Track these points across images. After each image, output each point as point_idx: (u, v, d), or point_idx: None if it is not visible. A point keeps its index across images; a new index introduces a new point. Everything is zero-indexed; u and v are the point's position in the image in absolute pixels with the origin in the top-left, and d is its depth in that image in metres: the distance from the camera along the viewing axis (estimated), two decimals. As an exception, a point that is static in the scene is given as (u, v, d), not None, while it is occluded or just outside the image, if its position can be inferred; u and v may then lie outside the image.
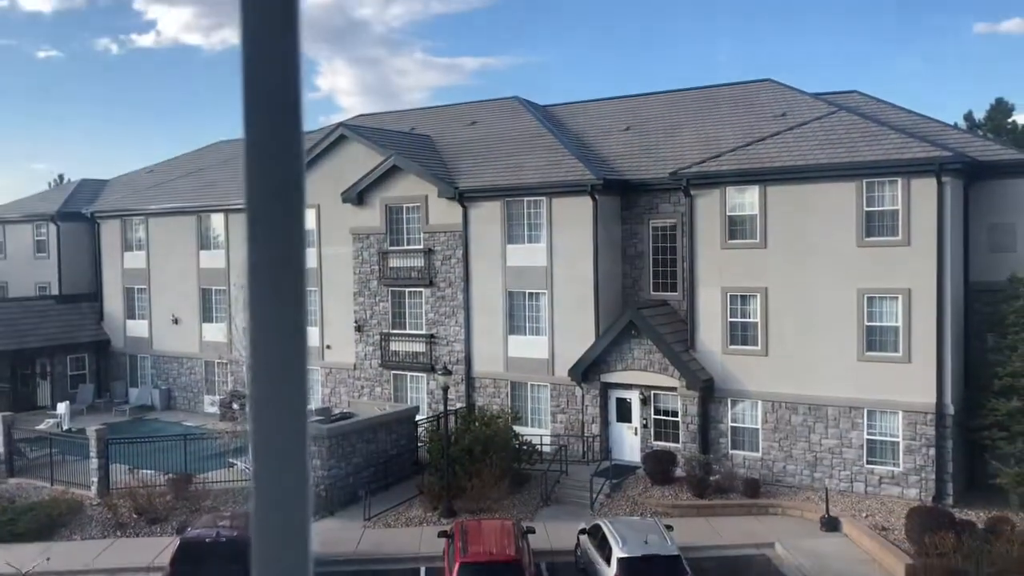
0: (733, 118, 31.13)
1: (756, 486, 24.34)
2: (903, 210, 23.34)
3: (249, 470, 1.07)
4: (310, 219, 34.16)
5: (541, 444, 27.60)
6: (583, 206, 28.05)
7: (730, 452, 25.95)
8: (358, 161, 32.44)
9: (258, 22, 1.01)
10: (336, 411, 28.74)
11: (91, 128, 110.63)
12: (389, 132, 34.63)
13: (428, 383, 31.47)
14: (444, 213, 30.89)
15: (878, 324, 23.89)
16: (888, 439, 23.93)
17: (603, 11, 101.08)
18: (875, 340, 23.91)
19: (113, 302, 40.87)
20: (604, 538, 18.79)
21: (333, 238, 33.55)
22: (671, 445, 26.44)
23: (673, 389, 26.37)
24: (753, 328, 25.67)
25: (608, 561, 18.11)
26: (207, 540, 18.54)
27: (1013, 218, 24.29)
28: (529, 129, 33.35)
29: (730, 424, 26.08)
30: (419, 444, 28.12)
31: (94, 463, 25.75)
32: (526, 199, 29.34)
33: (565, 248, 28.48)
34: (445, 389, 24.83)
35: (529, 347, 29.48)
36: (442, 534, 20.13)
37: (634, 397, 27.35)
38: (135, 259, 40.21)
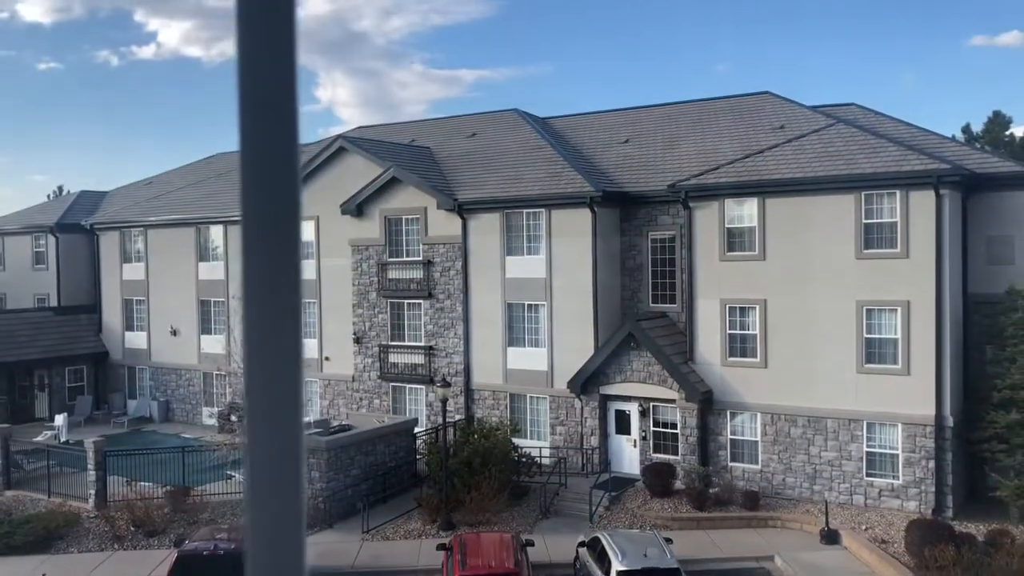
0: (732, 130, 31.23)
1: (755, 498, 24.28)
2: (902, 222, 23.37)
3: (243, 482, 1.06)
4: (309, 231, 34.21)
5: (540, 456, 27.53)
6: (582, 218, 28.09)
7: (729, 464, 25.90)
8: (357, 173, 32.50)
9: (254, 34, 1.01)
10: (335, 423, 28.69)
11: (91, 140, 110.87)
12: (388, 144, 34.70)
13: (427, 395, 31.43)
14: (443, 225, 30.92)
15: (877, 336, 23.88)
16: (888, 451, 23.88)
17: (602, 24, 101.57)
18: (874, 352, 23.90)
19: (112, 314, 40.84)
20: (603, 551, 18.73)
21: (332, 250, 33.58)
22: (670, 457, 26.38)
23: (672, 401, 26.34)
24: (752, 340, 25.66)
25: (607, 574, 18.04)
26: (204, 553, 18.45)
27: (1011, 230, 24.33)
28: (528, 141, 33.43)
29: (729, 436, 26.03)
30: (418, 456, 28.04)
31: (92, 475, 25.67)
32: (525, 211, 29.38)
33: (564, 260, 28.50)
34: (444, 401, 24.80)
35: (528, 359, 29.45)
36: (441, 547, 20.05)
37: (633, 409, 27.31)
38: (134, 271, 40.21)
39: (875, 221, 23.77)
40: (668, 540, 19.62)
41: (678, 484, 25.32)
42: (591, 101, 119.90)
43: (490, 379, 30.26)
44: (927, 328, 23.10)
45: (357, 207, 32.48)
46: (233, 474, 26.42)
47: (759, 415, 25.56)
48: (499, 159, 32.86)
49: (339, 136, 34.86)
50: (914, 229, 23.20)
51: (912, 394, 23.28)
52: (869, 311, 23.92)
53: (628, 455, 27.43)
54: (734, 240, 25.85)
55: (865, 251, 23.85)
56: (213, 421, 36.33)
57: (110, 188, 48.46)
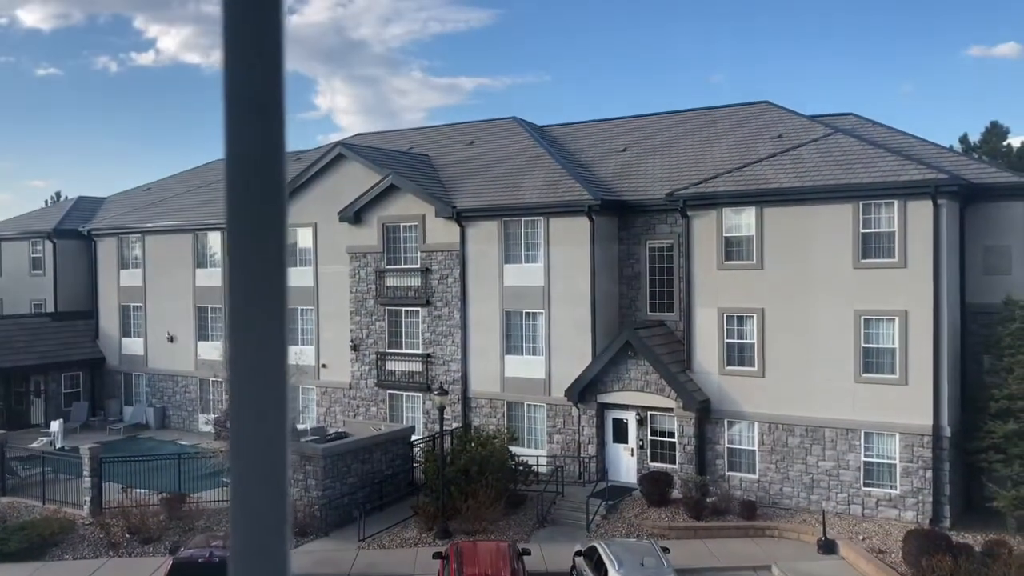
0: (730, 140, 31.30)
1: (753, 508, 24.24)
2: (899, 232, 23.40)
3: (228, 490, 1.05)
4: (307, 238, 34.22)
5: (537, 465, 27.48)
6: (580, 226, 28.11)
7: (727, 473, 25.86)
8: (356, 180, 32.51)
9: (241, 41, 1.00)
10: (331, 431, 28.62)
11: (89, 146, 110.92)
12: (387, 151, 34.73)
13: (424, 403, 31.39)
14: (441, 232, 30.93)
15: (875, 346, 23.89)
16: (885, 461, 23.86)
17: (601, 33, 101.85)
18: (872, 362, 23.90)
19: (109, 320, 40.78)
20: (600, 560, 18.68)
21: (330, 257, 33.57)
22: (668, 466, 26.35)
23: (670, 410, 26.31)
24: (750, 349, 25.66)
25: (604, 583, 17.98)
26: (200, 560, 18.39)
27: (1008, 240, 24.36)
28: (527, 149, 33.48)
29: (727, 445, 26.00)
30: (414, 464, 27.98)
31: (87, 482, 25.59)
32: (523, 219, 29.39)
33: (562, 268, 28.51)
34: (441, 409, 24.76)
35: (526, 367, 29.42)
36: (437, 555, 19.99)
37: (631, 418, 27.28)
38: (131, 277, 40.16)
39: (873, 231, 23.80)
40: (665, 549, 19.58)
41: (675, 493, 25.27)
42: (589, 110, 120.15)
43: (487, 387, 30.22)
44: (925, 338, 23.11)
45: (355, 214, 32.48)
46: (229, 481, 26.34)
47: (757, 424, 25.54)
48: (498, 167, 32.90)
49: (337, 143, 34.88)
50: (912, 239, 23.23)
51: (910, 404, 23.27)
52: (867, 320, 23.93)
53: (625, 464, 27.39)
54: (732, 249, 25.87)
55: (863, 260, 23.87)
56: (209, 428, 36.24)
57: (108, 194, 48.46)
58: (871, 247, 23.81)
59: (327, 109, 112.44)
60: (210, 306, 37.54)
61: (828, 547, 22.07)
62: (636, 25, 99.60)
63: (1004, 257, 24.34)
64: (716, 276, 26.02)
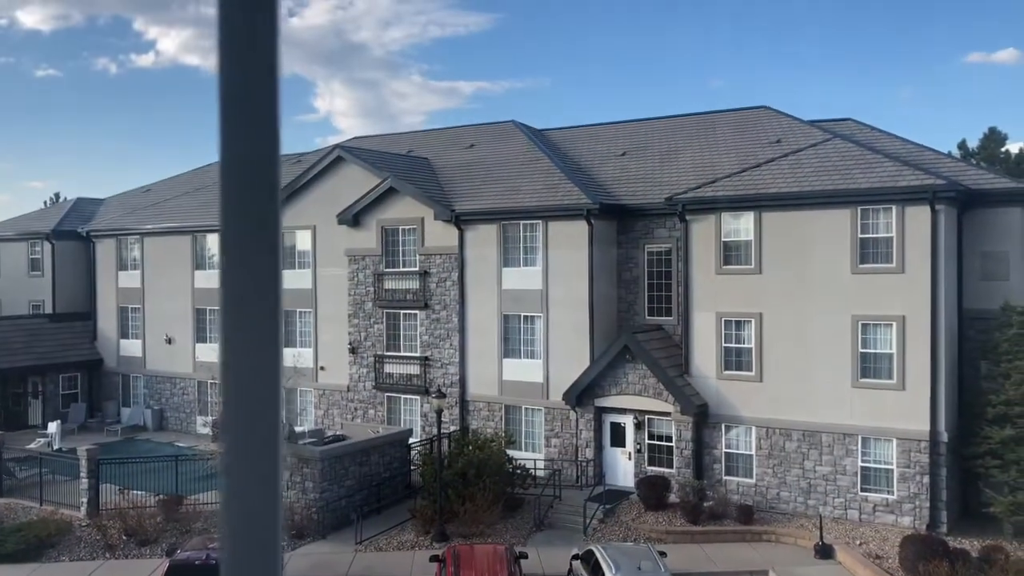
0: (729, 144, 31.33)
1: (750, 513, 24.23)
2: (897, 237, 23.43)
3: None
4: (306, 240, 34.22)
5: (535, 468, 27.47)
6: (579, 230, 28.13)
7: (724, 478, 25.86)
8: (355, 183, 32.52)
9: (236, 44, 1.01)
10: (329, 433, 28.61)
11: (89, 147, 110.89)
12: (386, 154, 34.75)
13: (422, 406, 31.38)
14: (440, 235, 30.94)
15: (872, 351, 23.91)
16: (882, 466, 23.87)
17: (600, 37, 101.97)
18: (869, 367, 23.92)
19: (107, 321, 40.75)
20: (597, 564, 18.67)
21: (328, 259, 33.57)
22: (665, 470, 26.34)
23: (667, 414, 26.31)
24: (748, 354, 25.67)
25: (600, 587, 17.97)
26: (196, 563, 18.37)
27: (1006, 246, 24.39)
28: (526, 153, 33.51)
29: (724, 450, 26.00)
30: (412, 467, 27.96)
31: (84, 483, 25.56)
32: (522, 222, 29.41)
33: (561, 272, 28.52)
34: (439, 412, 24.75)
35: (524, 370, 29.42)
36: (434, 558, 19.97)
37: (628, 422, 27.27)
38: (130, 278, 40.14)
39: (871, 236, 23.83)
40: (662, 554, 19.57)
41: (673, 497, 25.27)
42: (589, 114, 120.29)
43: (485, 390, 30.22)
44: (922, 343, 23.12)
45: (354, 217, 32.49)
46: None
47: (754, 429, 25.54)
48: (497, 170, 32.92)
49: (336, 146, 34.91)
50: (910, 244, 23.26)
51: (907, 409, 23.29)
52: (864, 326, 23.95)
53: (623, 468, 27.38)
54: (730, 253, 25.89)
55: (861, 266, 23.90)
56: (207, 430, 36.24)
57: (107, 195, 48.44)
58: (869, 252, 23.84)
59: (326, 112, 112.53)
60: (208, 308, 37.52)
61: (825, 552, 22.07)
62: (635, 29, 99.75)
63: (1001, 263, 24.37)
64: (714, 280, 26.04)
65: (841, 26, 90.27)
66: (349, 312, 33.20)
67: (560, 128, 38.01)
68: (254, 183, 1.03)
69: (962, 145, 48.73)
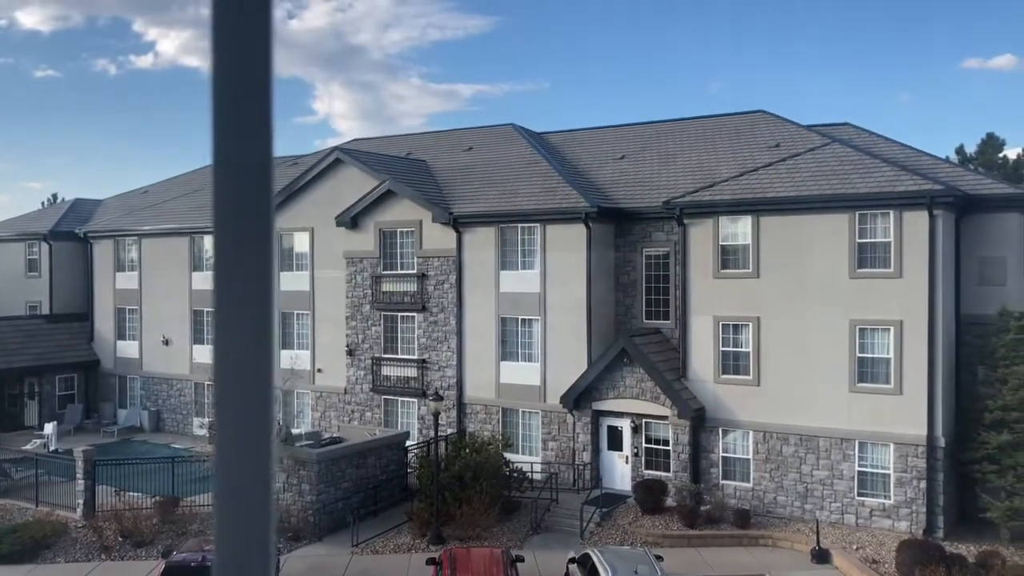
0: (727, 148, 31.36)
1: (747, 517, 24.23)
2: (895, 242, 23.46)
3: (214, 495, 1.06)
4: (304, 242, 34.22)
5: (532, 471, 27.46)
6: (577, 233, 28.14)
7: (721, 482, 25.85)
8: (353, 185, 32.52)
9: (230, 47, 1.01)
10: (326, 435, 28.58)
11: (87, 148, 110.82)
12: (385, 156, 34.75)
13: (419, 408, 31.36)
14: (438, 238, 30.94)
15: (870, 356, 23.92)
16: (879, 471, 23.87)
17: (599, 40, 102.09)
18: (867, 372, 23.93)
19: (104, 322, 40.71)
20: (593, 567, 18.65)
21: (326, 261, 33.56)
22: (662, 474, 26.34)
23: (664, 418, 26.31)
24: (745, 358, 25.68)
25: (597, 591, 17.95)
26: (192, 564, 18.34)
27: (1003, 251, 24.42)
28: (524, 156, 33.53)
29: (721, 454, 26.00)
30: (409, 470, 27.94)
31: (80, 484, 25.52)
32: (520, 225, 29.42)
33: (559, 275, 28.53)
34: (436, 415, 24.73)
35: (521, 373, 29.41)
36: (430, 561, 19.95)
37: (625, 425, 27.27)
38: (127, 279, 40.11)
39: (868, 240, 23.86)
40: (659, 557, 19.56)
41: (669, 501, 25.26)
42: (587, 117, 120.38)
43: (483, 393, 30.21)
44: (919, 348, 23.14)
45: (352, 219, 32.49)
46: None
47: (751, 433, 25.55)
48: (495, 173, 32.94)
49: (335, 148, 34.90)
50: (907, 249, 23.29)
51: (904, 414, 23.30)
52: (862, 330, 23.97)
53: (620, 471, 27.37)
54: (728, 257, 25.91)
55: (858, 270, 23.92)
56: (204, 431, 36.20)
57: (106, 196, 48.42)
58: (867, 257, 23.86)
59: (325, 114, 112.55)
60: (206, 310, 37.46)
61: (822, 557, 22.06)
62: (635, 33, 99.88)
63: (999, 268, 24.40)
64: (712, 284, 26.05)
65: (840, 28, 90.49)
66: (347, 314, 33.19)
67: (559, 131, 38.04)
68: (248, 185, 1.03)
69: (960, 150, 48.83)
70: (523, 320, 29.44)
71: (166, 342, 38.45)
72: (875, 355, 23.86)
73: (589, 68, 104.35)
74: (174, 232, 38.35)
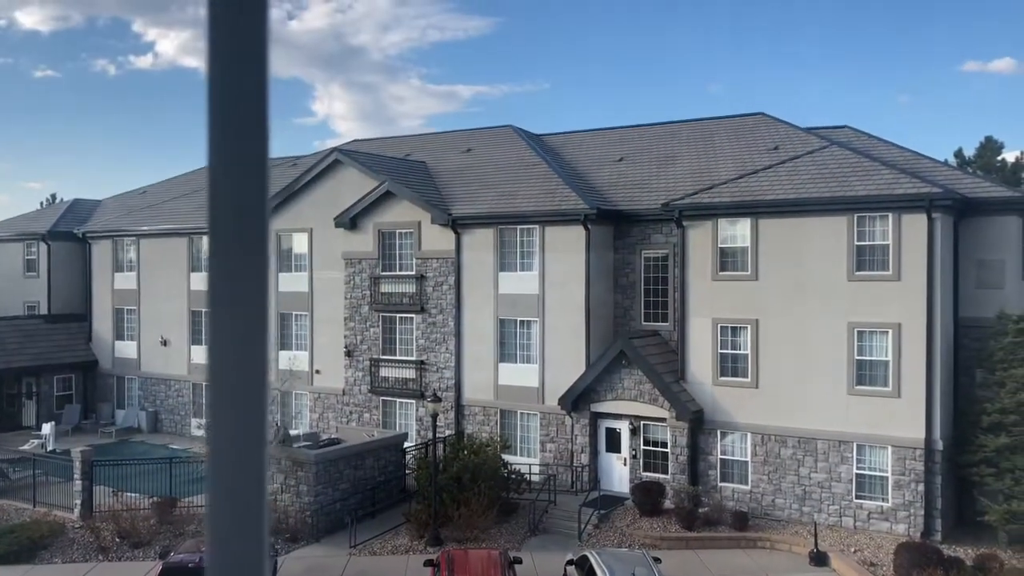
0: (726, 151, 31.38)
1: (745, 519, 24.22)
2: (893, 245, 23.48)
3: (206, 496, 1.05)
4: (303, 243, 34.22)
5: (530, 473, 27.45)
6: (576, 235, 28.14)
7: (719, 484, 25.85)
8: (352, 186, 32.52)
9: (225, 47, 1.01)
10: (324, 436, 28.56)
11: (86, 148, 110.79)
12: (384, 157, 34.75)
13: (417, 410, 31.34)
14: (437, 239, 30.94)
15: (868, 358, 23.93)
16: (877, 474, 23.88)
17: (599, 42, 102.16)
18: (865, 374, 23.94)
19: (102, 322, 40.69)
20: (591, 569, 18.64)
21: (325, 262, 33.56)
22: (660, 476, 26.33)
23: (663, 420, 26.31)
24: (743, 360, 25.68)
25: (595, 593, 17.93)
26: (190, 565, 18.32)
27: (1002, 255, 24.44)
28: (523, 158, 33.54)
29: (719, 456, 26.00)
30: (407, 471, 27.93)
31: (78, 485, 25.49)
32: (519, 227, 29.42)
33: (557, 277, 28.52)
34: (434, 416, 24.73)
35: (519, 375, 29.41)
36: (428, 563, 19.94)
37: (624, 427, 27.27)
38: (125, 280, 40.10)
39: (867, 243, 23.87)
40: (657, 559, 19.55)
41: (667, 503, 25.25)
42: (587, 119, 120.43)
43: (481, 395, 30.20)
44: (918, 351, 23.15)
45: (351, 220, 32.48)
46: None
47: (749, 435, 25.55)
48: (494, 175, 32.94)
49: (334, 149, 34.90)
50: (906, 252, 23.31)
51: (902, 417, 23.30)
52: (860, 333, 23.98)
53: (618, 473, 27.37)
54: (727, 260, 25.92)
55: (857, 273, 23.93)
56: (202, 432, 36.14)
57: (104, 197, 48.39)
58: (865, 260, 23.88)
59: (324, 115, 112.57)
60: (204, 310, 37.26)
61: (820, 559, 22.06)
62: (634, 34, 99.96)
63: (997, 271, 24.41)
64: (711, 286, 26.06)
65: (840, 29, 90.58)
66: (345, 315, 33.18)
67: (558, 133, 38.06)
68: (242, 186, 1.03)
69: (958, 153, 48.90)
70: (522, 322, 29.44)
71: (164, 343, 38.43)
72: (873, 358, 23.86)
73: (588, 69, 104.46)
74: (173, 233, 38.34)
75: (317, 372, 33.84)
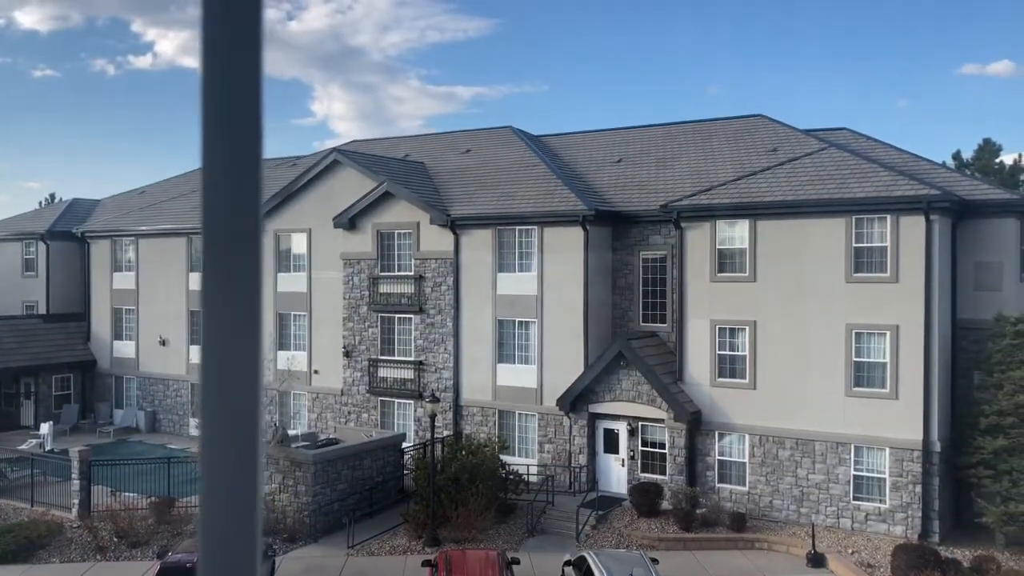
0: (725, 152, 31.40)
1: (742, 520, 24.23)
2: (892, 247, 23.49)
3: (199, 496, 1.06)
4: (301, 243, 34.21)
5: (528, 474, 27.44)
6: (574, 236, 28.15)
7: (717, 485, 25.86)
8: (351, 186, 32.52)
9: (219, 47, 1.01)
10: (322, 437, 28.55)
11: (85, 148, 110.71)
12: (383, 158, 34.75)
13: (416, 410, 31.33)
14: (436, 240, 30.94)
15: (866, 360, 23.94)
16: (875, 475, 23.89)
17: (599, 44, 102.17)
18: (863, 376, 23.95)
19: (101, 322, 40.66)
20: (589, 570, 18.64)
21: (324, 263, 33.56)
22: (658, 477, 26.33)
23: (661, 421, 26.31)
24: (741, 361, 25.69)
25: (592, 594, 17.94)
26: (188, 565, 18.30)
27: (999, 257, 24.46)
28: (522, 159, 33.54)
29: (717, 457, 26.00)
30: (405, 472, 27.93)
31: (76, 485, 25.47)
32: (518, 228, 29.42)
33: (556, 278, 28.53)
34: (433, 416, 24.72)
35: (518, 376, 29.41)
36: (426, 563, 19.94)
37: (622, 428, 27.27)
38: (124, 279, 40.08)
39: (865, 245, 23.89)
40: (654, 560, 19.55)
41: (665, 504, 25.25)
42: (586, 120, 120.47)
43: (479, 395, 30.20)
44: (916, 353, 23.17)
45: (350, 221, 32.48)
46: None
47: (747, 436, 25.55)
48: (493, 176, 32.95)
49: (333, 149, 34.89)
50: (904, 254, 23.32)
51: (900, 418, 23.32)
52: (858, 334, 23.99)
53: (616, 474, 27.37)
54: (725, 261, 25.93)
55: (855, 275, 23.95)
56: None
57: (103, 196, 48.36)
58: (863, 261, 23.89)
59: (324, 115, 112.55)
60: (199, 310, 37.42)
61: (817, 561, 22.06)
62: (634, 35, 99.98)
63: (995, 273, 24.43)
64: (709, 288, 26.07)
65: (839, 32, 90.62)
66: (344, 316, 33.17)
67: (557, 134, 38.06)
68: (237, 186, 1.03)
69: (957, 156, 48.93)
70: (520, 322, 29.44)
71: (163, 342, 38.41)
72: (871, 359, 23.88)
73: (588, 71, 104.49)
74: (171, 232, 38.32)
75: (315, 372, 33.84)
